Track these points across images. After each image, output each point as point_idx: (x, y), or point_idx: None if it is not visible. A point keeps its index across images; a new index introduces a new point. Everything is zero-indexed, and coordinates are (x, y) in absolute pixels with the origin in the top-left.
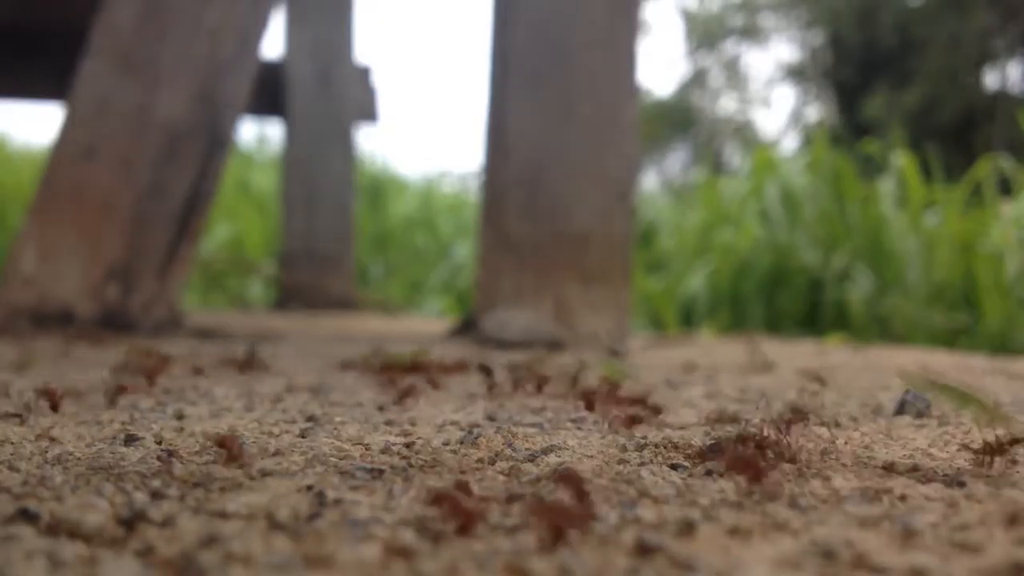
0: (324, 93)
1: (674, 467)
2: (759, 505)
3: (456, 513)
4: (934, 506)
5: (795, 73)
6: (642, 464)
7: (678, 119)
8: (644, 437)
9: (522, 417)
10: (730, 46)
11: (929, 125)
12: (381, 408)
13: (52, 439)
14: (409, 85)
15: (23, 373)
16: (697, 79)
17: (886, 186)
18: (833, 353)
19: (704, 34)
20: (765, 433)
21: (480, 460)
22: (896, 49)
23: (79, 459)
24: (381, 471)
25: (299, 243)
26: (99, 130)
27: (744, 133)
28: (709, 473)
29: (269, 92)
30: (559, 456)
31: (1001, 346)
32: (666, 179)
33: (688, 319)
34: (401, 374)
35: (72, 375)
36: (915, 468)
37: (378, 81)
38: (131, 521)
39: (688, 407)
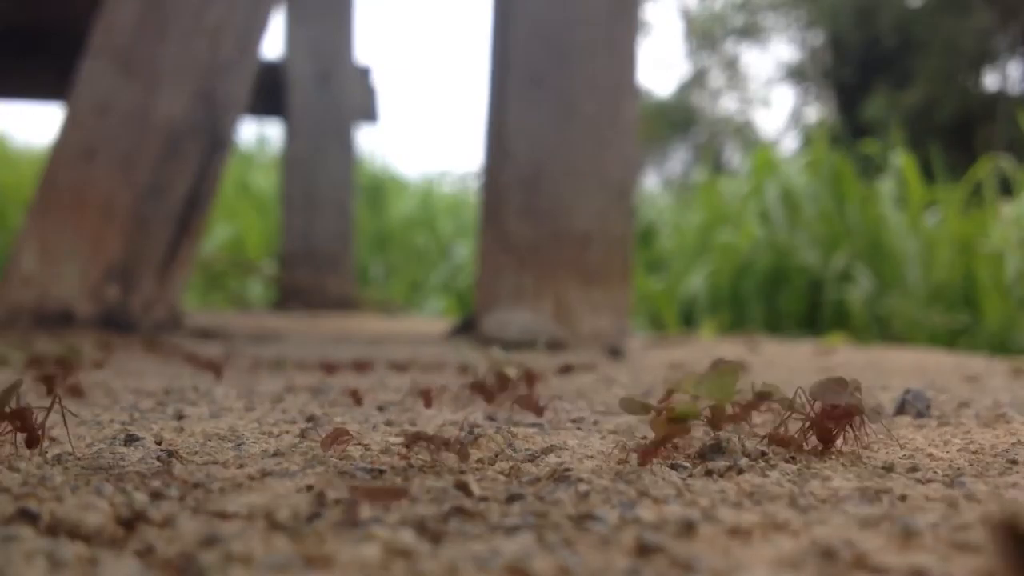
0: (324, 93)
1: (674, 467)
2: (759, 505)
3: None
4: (934, 506)
5: (795, 73)
6: (641, 464)
7: (678, 119)
8: (644, 437)
9: (522, 417)
10: (730, 46)
11: (929, 125)
12: (381, 408)
13: (52, 439)
14: (409, 85)
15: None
16: (697, 79)
17: (886, 186)
18: (833, 353)
19: (704, 34)
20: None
21: (480, 460)
22: (896, 49)
23: (79, 459)
24: (381, 471)
25: (299, 243)
26: (99, 130)
27: (744, 133)
28: (709, 473)
29: (269, 92)
30: (559, 456)
31: (1001, 346)
32: (666, 179)
33: (688, 319)
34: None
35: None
36: (915, 468)
37: (378, 81)
38: (131, 521)
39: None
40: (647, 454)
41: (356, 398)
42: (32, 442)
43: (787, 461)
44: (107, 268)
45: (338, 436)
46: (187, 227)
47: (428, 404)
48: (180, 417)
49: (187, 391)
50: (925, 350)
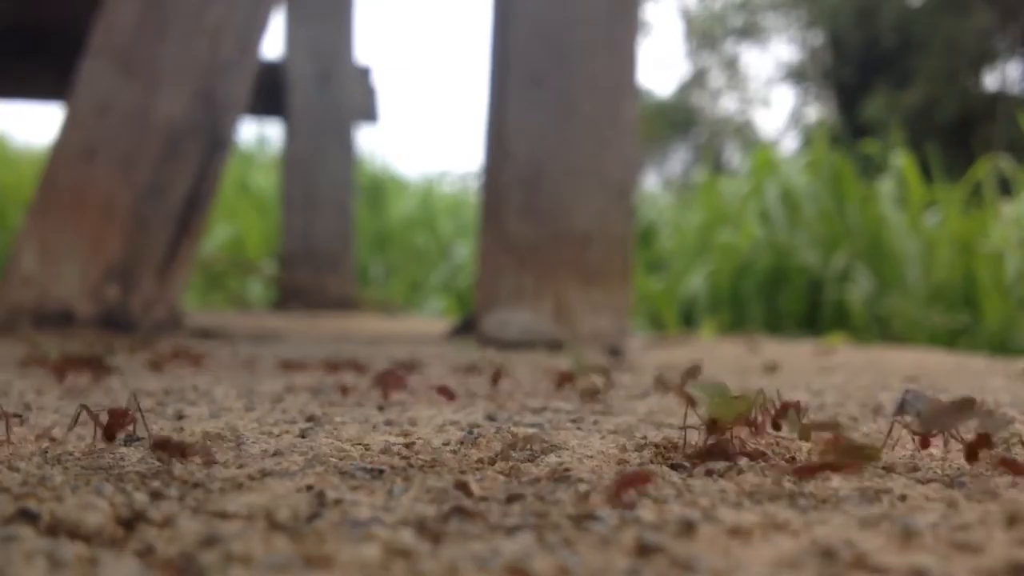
0: (324, 93)
1: (674, 467)
2: (759, 505)
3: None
4: (934, 506)
5: (795, 73)
6: (642, 464)
7: (678, 119)
8: (644, 437)
9: (522, 417)
10: (730, 46)
11: (929, 125)
12: (381, 408)
13: (52, 439)
14: (409, 85)
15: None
16: (697, 79)
17: (886, 186)
18: (833, 353)
19: (704, 34)
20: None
21: (480, 460)
22: (896, 49)
23: (79, 459)
24: (381, 471)
25: (299, 243)
26: (99, 130)
27: (744, 133)
28: (709, 473)
29: (269, 92)
30: (559, 456)
31: (1001, 346)
32: (666, 179)
33: (688, 319)
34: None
35: None
36: (915, 468)
37: (378, 81)
38: (131, 521)
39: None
40: (803, 472)
41: (344, 392)
42: (111, 435)
43: (787, 461)
44: (107, 268)
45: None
46: (187, 227)
47: (387, 394)
48: (180, 417)
49: (187, 391)
50: (925, 350)
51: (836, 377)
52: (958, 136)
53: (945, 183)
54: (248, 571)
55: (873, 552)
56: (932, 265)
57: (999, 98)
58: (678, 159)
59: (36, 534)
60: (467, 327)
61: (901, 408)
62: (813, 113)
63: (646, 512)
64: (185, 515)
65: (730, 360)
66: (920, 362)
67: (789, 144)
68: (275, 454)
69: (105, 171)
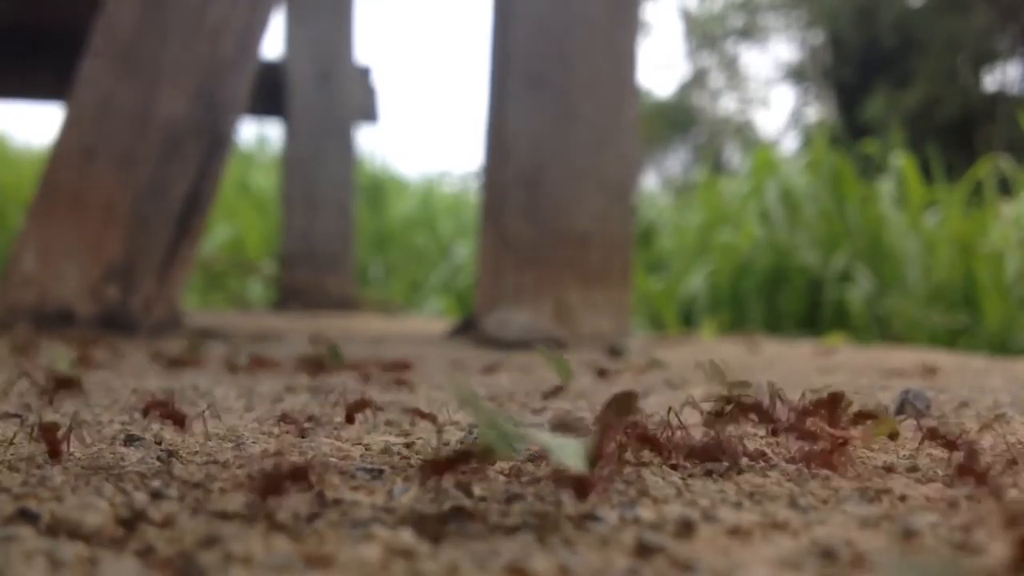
0: (324, 93)
1: (674, 467)
2: (759, 505)
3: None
4: (934, 506)
5: (795, 73)
6: (642, 464)
7: (678, 119)
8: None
9: (523, 417)
10: (730, 46)
11: (929, 125)
12: (381, 408)
13: None
14: (409, 85)
15: None
16: (697, 79)
17: (886, 186)
18: (833, 353)
19: (704, 34)
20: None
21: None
22: (896, 49)
23: (79, 459)
24: (381, 471)
25: (299, 243)
26: (99, 130)
27: (744, 133)
28: (709, 473)
29: (269, 92)
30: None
31: (1001, 346)
32: (666, 179)
33: (688, 319)
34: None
35: None
36: (915, 468)
37: (378, 81)
38: (131, 521)
39: (688, 407)
40: None
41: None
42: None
43: (787, 461)
44: (107, 268)
45: None
46: (187, 227)
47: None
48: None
49: (187, 391)
50: (925, 350)
51: (836, 377)
52: (958, 136)
53: (945, 183)
54: (248, 571)
55: (873, 552)
56: (932, 265)
57: (999, 98)
58: (678, 159)
59: (36, 534)
60: (467, 327)
61: (901, 408)
62: (813, 113)
63: (646, 512)
64: (185, 515)
65: (731, 360)
66: (920, 362)
67: (789, 144)
68: (275, 454)
69: (105, 171)
